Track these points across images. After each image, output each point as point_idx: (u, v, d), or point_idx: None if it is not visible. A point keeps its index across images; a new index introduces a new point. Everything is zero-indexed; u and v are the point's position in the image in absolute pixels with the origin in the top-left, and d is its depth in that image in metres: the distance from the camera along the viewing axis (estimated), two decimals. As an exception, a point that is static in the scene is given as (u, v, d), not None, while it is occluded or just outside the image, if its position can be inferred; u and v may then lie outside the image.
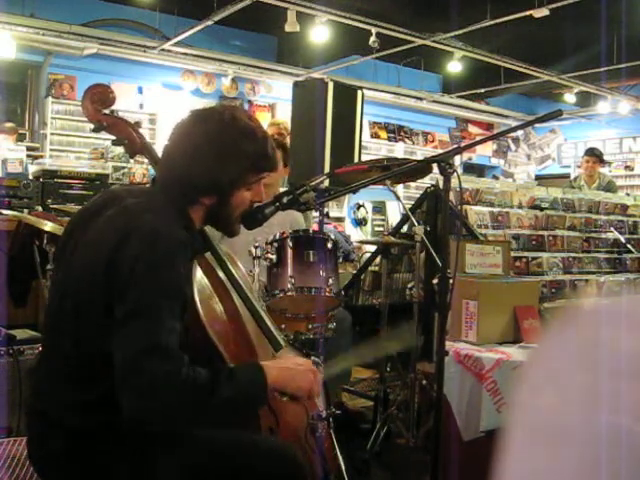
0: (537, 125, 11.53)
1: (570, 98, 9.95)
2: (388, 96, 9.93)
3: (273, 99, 9.58)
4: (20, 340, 2.82)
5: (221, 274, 1.75)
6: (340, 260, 2.53)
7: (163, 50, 8.10)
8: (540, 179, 11.38)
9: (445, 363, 1.92)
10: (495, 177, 11.13)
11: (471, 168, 11.69)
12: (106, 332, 1.30)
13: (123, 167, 6.74)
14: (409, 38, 7.67)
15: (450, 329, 2.60)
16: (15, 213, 4.12)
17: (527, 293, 2.81)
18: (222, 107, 1.66)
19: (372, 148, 10.20)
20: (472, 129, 11.76)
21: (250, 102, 9.52)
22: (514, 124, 10.80)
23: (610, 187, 6.25)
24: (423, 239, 2.98)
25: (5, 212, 4.33)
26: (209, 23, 7.29)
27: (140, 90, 8.61)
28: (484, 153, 11.93)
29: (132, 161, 6.64)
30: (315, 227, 3.61)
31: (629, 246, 4.44)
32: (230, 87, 9.21)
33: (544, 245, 4.00)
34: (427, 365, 2.99)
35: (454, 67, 8.39)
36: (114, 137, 1.88)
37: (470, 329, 2.63)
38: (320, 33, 7.25)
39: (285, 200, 1.75)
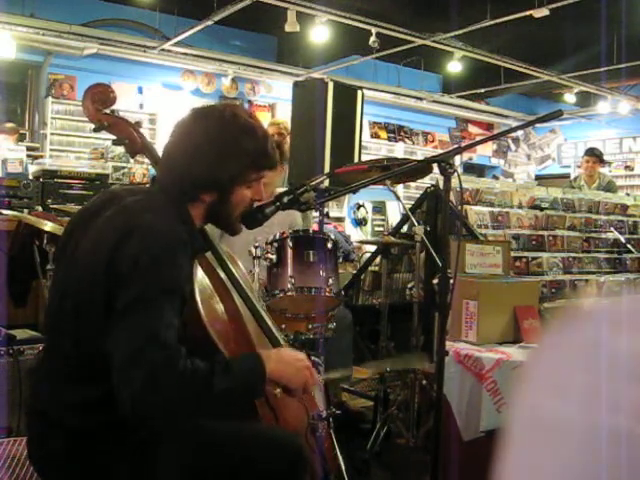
0: (537, 125, 11.52)
1: (570, 98, 9.95)
2: (388, 96, 9.92)
3: (273, 99, 9.58)
4: (20, 340, 2.82)
5: (222, 274, 1.75)
6: (340, 260, 2.54)
7: (163, 50, 8.10)
8: (540, 179, 11.38)
9: (445, 363, 1.92)
10: (495, 177, 11.13)
11: (471, 168, 11.69)
12: (106, 332, 1.30)
13: (123, 167, 6.72)
14: (409, 38, 7.67)
15: (450, 329, 2.59)
16: (15, 213, 4.12)
17: (527, 293, 2.81)
18: (223, 105, 1.66)
19: (372, 148, 10.20)
20: (472, 129, 11.76)
21: (250, 102, 9.51)
22: (514, 124, 10.81)
23: (610, 187, 6.24)
24: (423, 239, 2.99)
25: (5, 212, 4.32)
26: (209, 23, 7.29)
27: (140, 90, 8.61)
28: (484, 153, 11.93)
29: (132, 161, 6.62)
30: (315, 227, 3.61)
31: (629, 246, 4.44)
32: (230, 87, 9.21)
33: (544, 245, 4.00)
34: (427, 365, 2.99)
35: (454, 67, 8.39)
36: (115, 137, 1.88)
37: (470, 329, 2.63)
38: (320, 33, 7.24)
39: (285, 200, 1.75)
